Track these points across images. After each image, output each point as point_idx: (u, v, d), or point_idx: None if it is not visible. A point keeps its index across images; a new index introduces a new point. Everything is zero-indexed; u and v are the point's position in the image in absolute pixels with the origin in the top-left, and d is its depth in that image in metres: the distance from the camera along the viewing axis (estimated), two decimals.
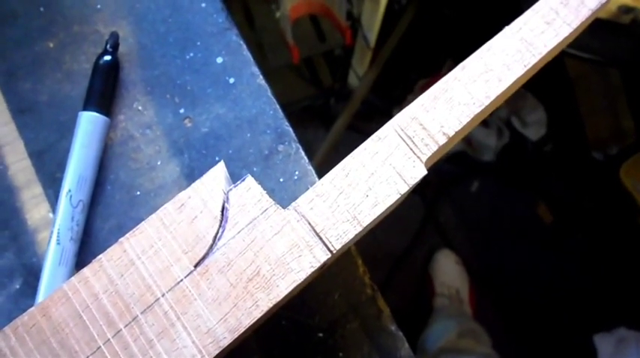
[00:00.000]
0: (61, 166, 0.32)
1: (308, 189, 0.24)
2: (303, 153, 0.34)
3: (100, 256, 0.25)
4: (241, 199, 0.26)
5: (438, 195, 1.37)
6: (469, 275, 1.26)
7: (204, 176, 0.26)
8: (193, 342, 0.24)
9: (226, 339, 0.24)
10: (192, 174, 0.33)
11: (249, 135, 0.34)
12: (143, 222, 0.25)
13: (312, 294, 0.32)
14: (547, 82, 1.30)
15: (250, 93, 0.35)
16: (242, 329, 0.24)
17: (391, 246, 1.27)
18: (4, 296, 0.30)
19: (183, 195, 0.26)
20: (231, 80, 0.35)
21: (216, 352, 0.24)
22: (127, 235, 0.25)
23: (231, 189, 0.26)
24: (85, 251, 0.31)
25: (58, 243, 0.30)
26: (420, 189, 1.34)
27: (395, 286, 1.25)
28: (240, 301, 0.24)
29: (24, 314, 0.24)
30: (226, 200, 0.26)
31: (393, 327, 0.32)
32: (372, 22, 1.15)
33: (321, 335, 0.32)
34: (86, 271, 0.24)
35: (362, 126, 1.28)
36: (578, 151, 1.35)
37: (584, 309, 1.20)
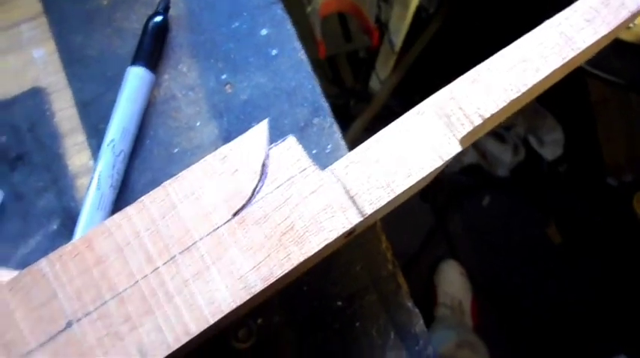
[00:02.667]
0: (105, 118, 0.33)
1: None
2: (336, 128, 0.35)
3: (144, 197, 0.26)
4: (281, 157, 0.27)
5: (448, 205, 1.37)
6: (473, 288, 1.26)
7: (248, 132, 0.27)
8: (226, 286, 0.24)
9: (257, 287, 0.25)
10: (229, 138, 0.34)
11: (286, 106, 0.35)
12: (187, 169, 0.26)
13: (335, 264, 0.33)
14: (568, 103, 1.30)
15: (291, 66, 0.36)
16: (273, 279, 0.25)
17: (398, 252, 1.27)
18: (42, 235, 0.32)
19: (226, 147, 0.27)
20: (274, 52, 0.37)
21: (247, 298, 0.25)
22: (171, 180, 0.26)
23: (272, 147, 0.27)
24: (121, 201, 0.32)
25: (98, 188, 0.31)
26: (431, 198, 1.35)
27: None
28: (274, 252, 0.25)
29: (68, 244, 0.26)
30: (267, 157, 0.27)
31: (410, 304, 0.33)
32: (400, 27, 1.16)
33: (340, 303, 0.32)
34: (130, 209, 0.25)
35: (380, 129, 1.28)
36: (593, 175, 1.35)
37: (587, 331, 1.19)
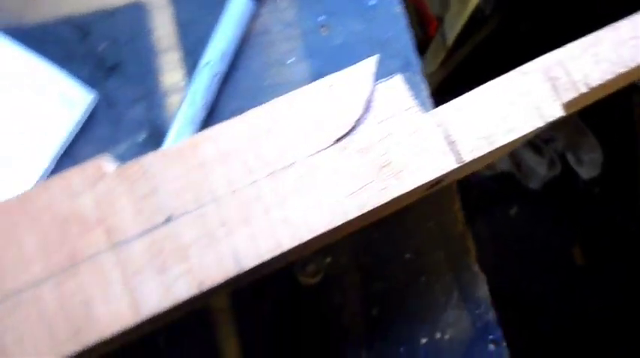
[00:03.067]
0: (203, 40, 0.34)
1: None
2: (425, 86, 0.35)
3: (250, 111, 0.26)
4: (387, 93, 0.27)
5: (475, 210, 1.36)
6: (490, 296, 1.25)
7: (358, 64, 0.27)
8: (322, 208, 0.25)
9: (352, 213, 0.25)
10: (317, 79, 0.34)
11: (379, 55, 0.35)
12: (293, 91, 0.26)
13: (409, 217, 0.33)
14: (611, 124, 1.28)
15: (388, 19, 0.36)
16: (368, 208, 0.25)
17: None
18: (129, 144, 0.32)
19: (334, 76, 0.27)
20: (372, 2, 0.37)
21: (341, 222, 0.25)
22: (277, 99, 0.26)
23: (378, 83, 0.27)
24: (209, 123, 0.33)
25: (192, 105, 0.31)
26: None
27: None
28: (371, 183, 0.25)
29: (174, 144, 0.26)
30: (372, 91, 0.27)
31: (476, 268, 0.32)
32: (455, 23, 1.15)
33: (408, 256, 0.32)
34: (236, 121, 0.26)
35: None
36: (627, 200, 1.33)
37: (608, 340, 1.18)
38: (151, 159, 0.25)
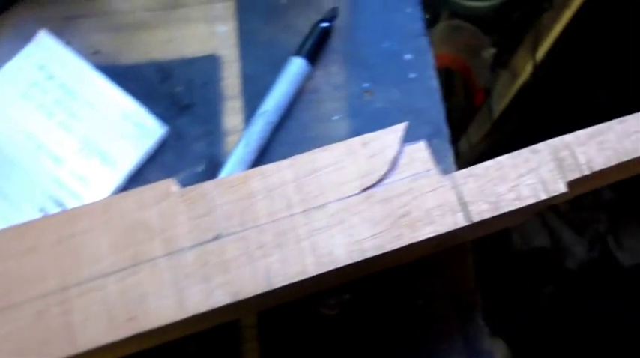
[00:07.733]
0: (262, 92, 0.40)
1: None
2: (451, 153, 0.39)
3: (296, 156, 0.31)
4: (412, 155, 0.31)
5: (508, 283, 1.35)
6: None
7: (390, 127, 0.32)
8: (345, 245, 0.29)
9: (369, 253, 0.29)
10: (356, 135, 0.39)
11: (413, 122, 0.40)
12: (334, 144, 0.31)
13: (424, 267, 0.37)
14: None
15: (424, 90, 0.41)
16: (383, 251, 0.29)
17: None
18: (190, 172, 0.38)
19: (369, 135, 0.31)
20: (412, 75, 0.42)
21: (358, 260, 0.29)
22: (319, 149, 0.31)
23: (406, 145, 0.32)
24: (259, 163, 0.38)
25: (246, 146, 0.37)
26: None
27: None
28: (389, 229, 0.29)
29: (230, 175, 0.31)
30: (400, 151, 0.31)
31: (481, 321, 0.35)
32: (503, 96, 1.19)
33: (420, 302, 0.36)
34: (283, 163, 0.31)
35: None
36: None
37: None
38: (208, 186, 0.30)
